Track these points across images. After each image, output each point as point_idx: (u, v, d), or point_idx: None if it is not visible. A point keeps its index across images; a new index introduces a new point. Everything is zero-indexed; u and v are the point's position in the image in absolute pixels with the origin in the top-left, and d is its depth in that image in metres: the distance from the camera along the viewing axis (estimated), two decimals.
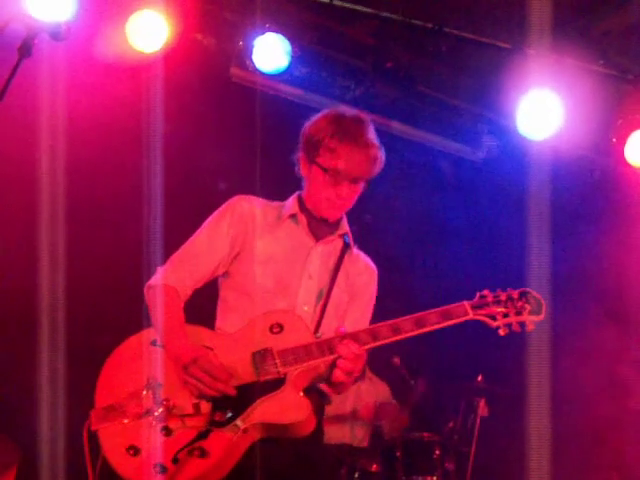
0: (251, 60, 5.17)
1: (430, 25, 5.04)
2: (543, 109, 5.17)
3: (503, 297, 2.97)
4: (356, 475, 5.27)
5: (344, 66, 5.39)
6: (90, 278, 5.40)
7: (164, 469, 2.67)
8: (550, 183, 5.07)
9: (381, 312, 3.24)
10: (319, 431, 3.01)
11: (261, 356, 2.83)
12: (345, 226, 3.20)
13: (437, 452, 5.20)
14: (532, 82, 5.11)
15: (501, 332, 2.94)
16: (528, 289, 3.00)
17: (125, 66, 5.01)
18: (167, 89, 4.78)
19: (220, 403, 2.76)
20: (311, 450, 2.94)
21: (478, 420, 5.46)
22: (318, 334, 2.95)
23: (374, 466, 5.27)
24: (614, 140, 5.38)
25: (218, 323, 3.08)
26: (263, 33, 5.09)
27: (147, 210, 4.53)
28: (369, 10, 5.06)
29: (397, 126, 5.68)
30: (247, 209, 3.11)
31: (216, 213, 3.14)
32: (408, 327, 2.88)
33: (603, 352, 5.61)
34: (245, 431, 2.72)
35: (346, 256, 3.16)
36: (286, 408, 2.75)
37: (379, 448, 5.43)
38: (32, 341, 4.97)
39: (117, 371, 2.87)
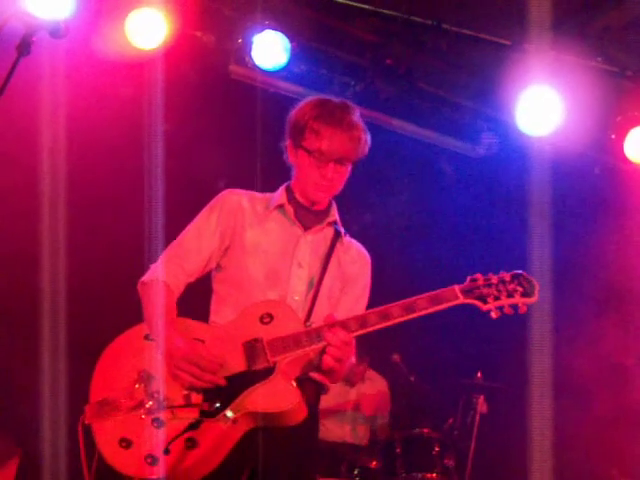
0: (250, 57, 5.17)
1: (430, 22, 5.04)
2: (542, 105, 5.17)
3: (494, 280, 2.92)
4: (356, 471, 5.29)
5: (344, 63, 5.39)
6: (91, 276, 5.41)
7: (155, 460, 2.69)
8: (549, 179, 5.07)
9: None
10: (314, 420, 3.01)
11: (251, 346, 2.84)
12: (334, 214, 3.21)
13: (437, 448, 5.21)
14: (531, 79, 5.11)
15: (493, 315, 2.89)
16: (520, 272, 2.95)
17: (124, 63, 5.02)
18: (166, 86, 4.78)
19: (210, 394, 2.78)
20: (304, 439, 2.94)
21: (477, 417, 5.48)
22: (309, 323, 2.95)
23: (374, 463, 5.29)
24: (613, 136, 5.38)
25: (212, 317, 3.09)
26: (262, 30, 5.09)
27: (147, 207, 4.53)
28: (369, 7, 5.06)
29: (397, 123, 5.69)
30: (235, 202, 3.13)
31: (205, 208, 3.16)
32: (397, 313, 2.85)
33: (605, 345, 5.61)
34: (235, 421, 2.74)
35: (337, 244, 3.16)
36: (275, 396, 2.76)
37: (379, 445, 5.44)
38: (33, 339, 4.98)
39: (111, 366, 2.89)
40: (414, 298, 2.89)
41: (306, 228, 3.13)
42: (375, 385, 6.03)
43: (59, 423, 4.88)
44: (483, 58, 5.36)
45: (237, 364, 2.82)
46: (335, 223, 3.20)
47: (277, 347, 2.82)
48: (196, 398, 2.78)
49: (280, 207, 3.14)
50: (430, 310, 2.87)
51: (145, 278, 3.04)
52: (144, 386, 2.80)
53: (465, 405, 5.59)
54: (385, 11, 5.06)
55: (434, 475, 5.14)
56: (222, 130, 5.69)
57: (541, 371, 4.96)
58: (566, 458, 5.33)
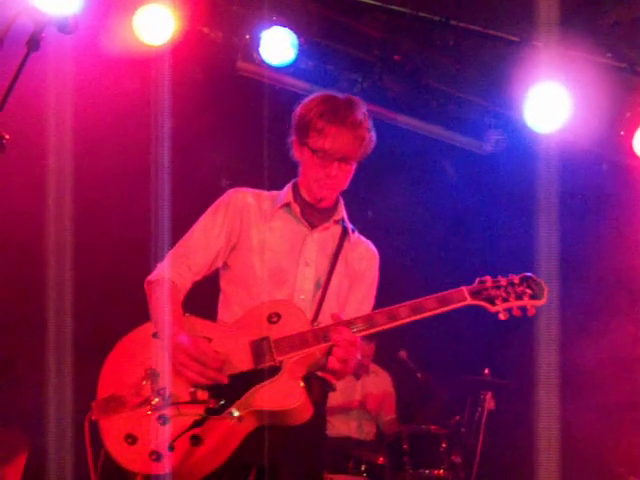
0: (258, 53, 5.18)
1: (437, 18, 5.02)
2: (551, 102, 5.16)
3: (503, 282, 2.92)
4: (363, 468, 5.28)
5: (351, 59, 5.38)
6: (96, 273, 5.42)
7: (160, 457, 2.69)
8: (557, 176, 5.05)
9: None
10: (321, 418, 3.01)
11: (258, 345, 2.84)
12: (341, 212, 3.19)
13: (444, 445, 5.21)
14: (540, 75, 5.10)
15: (501, 316, 2.88)
16: (530, 274, 2.95)
17: (132, 59, 5.02)
18: (174, 82, 4.78)
19: (216, 391, 2.78)
20: (311, 437, 2.94)
21: (485, 413, 5.47)
22: (316, 323, 2.95)
23: (380, 459, 5.29)
24: (622, 133, 5.36)
25: (220, 315, 3.09)
26: (270, 26, 5.09)
27: (153, 204, 4.53)
28: (376, 3, 5.05)
29: (404, 119, 5.68)
30: (242, 201, 3.12)
31: (212, 207, 3.16)
32: (405, 313, 2.85)
33: (613, 340, 5.60)
34: (240, 419, 2.74)
35: (345, 242, 3.15)
36: (281, 395, 2.76)
37: (386, 441, 5.44)
38: (39, 335, 4.99)
39: (119, 363, 2.90)
40: (422, 299, 2.88)
41: (313, 226, 3.12)
42: (380, 383, 6.03)
43: (65, 418, 4.89)
44: (491, 54, 5.34)
45: (244, 362, 2.82)
46: (342, 221, 3.18)
47: (284, 346, 2.82)
48: (202, 395, 2.79)
49: (286, 205, 3.13)
50: (438, 311, 2.87)
51: (152, 277, 3.04)
52: (151, 383, 2.81)
53: (472, 402, 5.58)
54: (393, 7, 5.05)
55: (441, 471, 5.14)
56: (229, 126, 5.69)
57: (548, 368, 4.95)
58: (573, 455, 5.32)
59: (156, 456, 2.70)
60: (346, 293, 3.12)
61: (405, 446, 5.19)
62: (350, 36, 5.36)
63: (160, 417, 2.76)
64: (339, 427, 5.68)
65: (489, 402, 5.51)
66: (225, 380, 2.78)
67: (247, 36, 5.20)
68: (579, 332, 5.56)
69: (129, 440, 2.74)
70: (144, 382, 2.82)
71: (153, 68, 4.88)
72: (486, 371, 5.62)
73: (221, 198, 3.16)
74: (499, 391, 5.61)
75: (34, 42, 2.53)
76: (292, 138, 3.15)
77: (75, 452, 4.76)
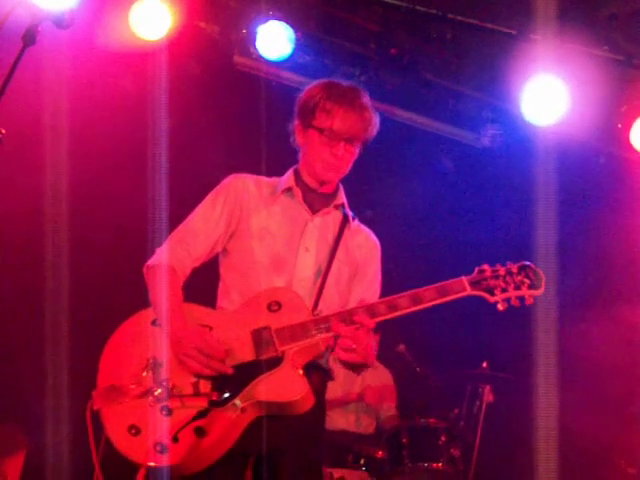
0: (255, 48, 5.17)
1: (434, 11, 5.01)
2: (548, 95, 5.15)
3: (502, 272, 2.93)
4: (362, 461, 5.29)
5: (348, 53, 5.37)
6: (94, 267, 5.42)
7: (164, 448, 2.69)
8: (555, 169, 5.05)
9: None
10: (320, 407, 3.01)
11: (259, 334, 2.83)
12: (342, 197, 3.19)
13: (443, 438, 5.21)
14: (537, 68, 5.09)
15: (500, 307, 2.90)
16: (528, 263, 2.96)
17: (129, 54, 5.01)
18: (170, 77, 4.77)
19: (219, 382, 2.78)
20: (311, 426, 2.94)
21: (484, 406, 5.48)
22: (317, 311, 2.94)
23: (380, 452, 5.29)
24: (619, 126, 5.35)
25: (219, 302, 3.08)
26: (266, 21, 5.08)
27: (151, 199, 4.52)
28: None
29: (401, 113, 5.67)
30: (242, 186, 3.12)
31: (212, 192, 3.15)
32: (405, 304, 2.86)
33: (612, 333, 5.61)
34: (243, 410, 2.74)
35: (346, 229, 3.15)
36: (284, 386, 2.76)
37: (385, 435, 5.45)
38: (36, 330, 4.99)
39: (118, 351, 2.89)
40: (422, 289, 2.88)
41: (314, 211, 3.11)
42: (379, 377, 6.04)
43: (63, 414, 4.89)
44: (488, 48, 5.33)
45: (245, 352, 2.82)
46: (343, 207, 3.18)
47: (285, 336, 2.82)
48: (204, 386, 2.78)
49: (288, 190, 3.12)
50: (438, 301, 2.88)
51: (151, 262, 3.03)
52: (152, 373, 2.80)
53: (471, 395, 5.59)
54: (390, 1, 5.04)
55: (440, 465, 5.14)
56: (226, 121, 5.68)
57: (547, 360, 4.96)
58: (572, 448, 5.33)
59: (160, 447, 2.69)
60: (346, 280, 3.11)
61: (404, 439, 5.19)
62: (347, 30, 5.35)
63: (163, 408, 2.75)
64: (337, 421, 5.68)
65: (488, 395, 5.52)
66: (230, 371, 2.78)
67: (244, 30, 5.19)
68: (577, 325, 5.57)
69: (132, 431, 2.73)
70: (145, 373, 2.81)
71: (149, 63, 4.87)
72: (484, 364, 5.63)
73: (221, 183, 3.16)
74: (498, 384, 5.61)
75: (30, 36, 2.52)
76: (294, 123, 3.16)
77: (72, 447, 4.77)
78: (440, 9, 5.00)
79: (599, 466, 5.71)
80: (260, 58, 5.21)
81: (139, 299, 2.99)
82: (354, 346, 2.80)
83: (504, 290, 2.90)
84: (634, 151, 5.31)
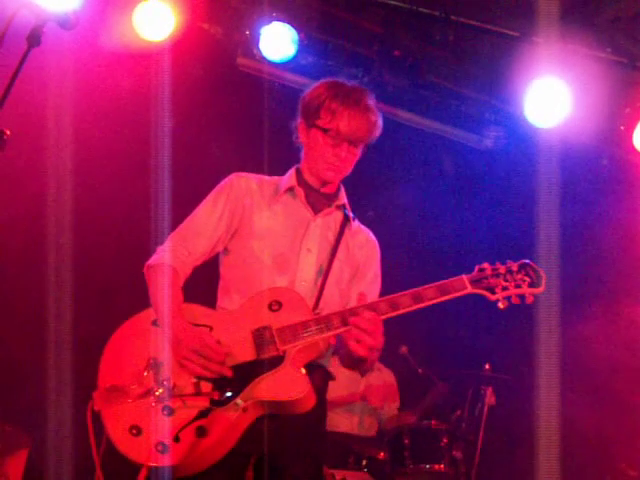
0: (258, 49, 5.18)
1: (437, 13, 5.02)
2: (551, 97, 5.16)
3: (502, 270, 2.92)
4: (364, 463, 5.29)
5: (351, 55, 5.38)
6: (96, 266, 5.43)
7: (166, 448, 2.69)
8: (558, 171, 5.05)
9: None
10: (321, 406, 3.00)
11: (260, 334, 2.83)
12: (343, 197, 3.19)
13: (445, 440, 5.20)
14: (540, 70, 5.10)
15: (500, 305, 2.89)
16: (528, 261, 2.95)
17: (132, 55, 5.03)
18: (174, 78, 4.79)
19: (220, 382, 2.78)
20: (312, 425, 2.94)
21: (486, 408, 5.47)
22: (317, 310, 2.94)
23: (381, 454, 5.29)
24: (622, 128, 5.36)
25: (219, 302, 3.08)
26: (270, 22, 5.09)
27: (154, 199, 4.53)
28: None
29: (404, 115, 5.68)
30: (244, 185, 3.11)
31: (213, 191, 3.14)
32: (406, 302, 2.84)
33: (614, 334, 5.60)
34: (245, 410, 2.74)
35: (346, 229, 3.15)
36: (286, 386, 2.75)
37: (387, 436, 5.45)
38: (38, 330, 4.99)
39: (119, 352, 2.89)
40: (423, 288, 2.87)
41: (316, 211, 3.11)
42: (382, 376, 6.04)
43: (64, 414, 4.90)
44: (491, 50, 5.34)
45: (246, 352, 2.82)
46: (344, 207, 3.18)
47: (286, 335, 2.81)
48: (205, 386, 2.78)
49: (290, 190, 3.12)
50: (439, 300, 2.86)
51: (152, 261, 3.02)
52: (153, 373, 2.80)
53: (473, 397, 5.58)
54: (392, 2, 5.05)
55: (442, 466, 5.14)
56: (229, 122, 5.69)
57: (549, 362, 4.96)
58: (574, 450, 5.33)
59: (162, 447, 2.69)
60: (346, 280, 3.11)
61: (406, 441, 5.19)
62: (350, 32, 5.36)
63: (165, 408, 2.75)
64: (340, 423, 5.68)
65: (490, 397, 5.51)
66: (229, 373, 2.77)
67: (247, 32, 5.20)
68: (579, 327, 5.56)
69: (134, 431, 2.73)
70: (146, 372, 2.81)
71: (153, 64, 4.89)
72: (487, 366, 5.62)
73: (222, 182, 3.15)
74: (500, 386, 5.61)
75: (35, 37, 2.52)
76: (298, 121, 3.14)
77: (74, 445, 4.78)
78: (443, 11, 5.01)
79: (601, 469, 5.70)
80: (263, 59, 5.22)
81: (140, 299, 2.99)
82: (369, 330, 2.76)
83: (505, 288, 2.90)
84: (637, 153, 5.31)
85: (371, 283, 3.17)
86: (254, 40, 5.16)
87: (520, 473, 5.55)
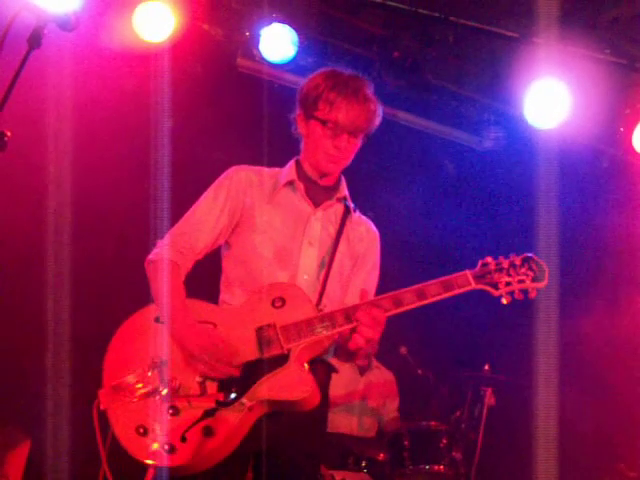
0: (258, 50, 5.18)
1: (437, 14, 5.02)
2: (550, 98, 5.16)
3: (505, 264, 2.91)
4: (363, 464, 5.29)
5: (351, 56, 5.38)
6: (95, 265, 5.43)
7: (173, 448, 2.68)
8: (557, 172, 5.06)
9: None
10: (325, 402, 2.99)
11: (264, 332, 2.82)
12: (344, 190, 3.17)
13: (444, 441, 5.20)
14: (540, 71, 5.10)
15: (504, 300, 2.89)
16: (531, 255, 2.94)
17: (132, 56, 5.03)
18: (174, 79, 4.79)
19: (225, 382, 2.77)
20: (314, 422, 2.94)
21: (485, 409, 5.47)
22: (321, 306, 2.93)
23: (381, 455, 5.29)
24: (622, 129, 5.36)
25: (222, 296, 3.06)
26: (270, 23, 5.09)
27: (153, 200, 4.53)
28: None
29: (404, 116, 5.68)
30: (244, 179, 3.10)
31: (213, 185, 3.12)
32: (409, 299, 2.83)
33: (613, 334, 5.61)
34: (251, 409, 2.73)
35: (347, 221, 3.13)
36: (291, 385, 2.75)
37: (386, 437, 5.45)
38: (39, 329, 5.00)
39: (123, 349, 2.87)
40: (426, 284, 2.86)
41: (316, 205, 3.09)
42: (382, 375, 6.04)
43: (65, 414, 4.90)
44: (491, 51, 5.35)
45: (250, 351, 2.80)
46: (345, 199, 3.17)
47: (291, 333, 2.80)
48: (211, 386, 2.77)
49: (290, 183, 3.10)
50: (443, 296, 2.85)
51: (152, 256, 3.00)
52: (158, 372, 2.78)
53: (473, 398, 5.58)
54: (392, 3, 5.04)
55: (442, 467, 5.14)
56: (229, 123, 5.69)
57: (548, 364, 4.96)
58: (573, 451, 5.33)
59: (169, 447, 2.68)
60: (347, 273, 3.09)
61: (405, 442, 5.19)
62: (349, 33, 5.36)
63: (171, 408, 2.74)
64: (340, 423, 5.68)
65: (489, 398, 5.51)
66: (237, 373, 2.76)
67: (247, 33, 5.20)
68: (579, 328, 5.57)
69: (140, 431, 2.72)
70: (150, 372, 2.79)
71: (153, 65, 4.89)
72: (486, 367, 5.62)
73: (222, 176, 3.13)
74: (499, 387, 5.61)
75: (35, 39, 2.52)
76: (296, 113, 3.12)
77: (74, 445, 4.78)
78: (443, 12, 5.01)
79: (600, 470, 5.70)
80: (263, 60, 5.23)
81: (140, 299, 2.99)
82: (373, 327, 2.77)
83: (508, 284, 2.89)
84: (636, 154, 5.32)
85: (369, 274, 3.15)
86: (254, 41, 5.16)
87: (520, 474, 5.55)
